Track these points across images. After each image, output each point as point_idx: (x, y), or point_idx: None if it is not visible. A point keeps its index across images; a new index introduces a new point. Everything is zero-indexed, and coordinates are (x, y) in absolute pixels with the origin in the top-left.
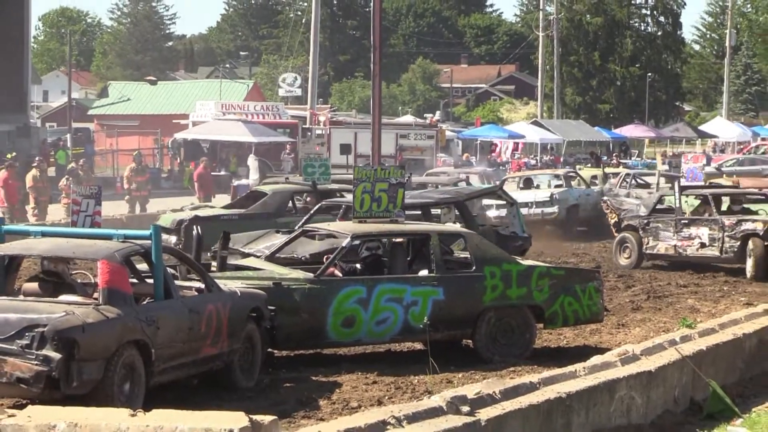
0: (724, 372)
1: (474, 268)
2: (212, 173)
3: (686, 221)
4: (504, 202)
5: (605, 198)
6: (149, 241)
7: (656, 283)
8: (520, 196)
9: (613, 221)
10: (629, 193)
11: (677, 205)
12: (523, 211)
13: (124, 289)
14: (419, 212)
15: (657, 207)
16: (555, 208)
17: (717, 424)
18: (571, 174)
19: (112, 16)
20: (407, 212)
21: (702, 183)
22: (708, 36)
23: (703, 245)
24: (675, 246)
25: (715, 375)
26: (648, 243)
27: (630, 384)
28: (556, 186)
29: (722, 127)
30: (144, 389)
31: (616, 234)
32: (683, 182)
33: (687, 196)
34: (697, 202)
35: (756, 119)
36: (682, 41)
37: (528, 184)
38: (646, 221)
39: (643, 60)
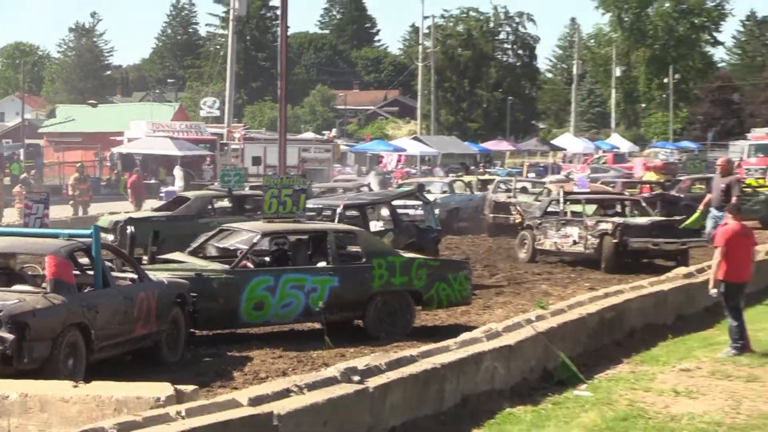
0: (571, 345)
1: (364, 260)
2: (144, 181)
3: (564, 222)
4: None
5: (514, 202)
6: (90, 239)
7: (516, 272)
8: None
9: (518, 221)
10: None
11: (561, 208)
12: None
13: (69, 279)
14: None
15: (548, 210)
16: (436, 211)
17: (566, 389)
18: (454, 181)
19: (60, 49)
20: (348, 212)
21: (588, 190)
22: (558, 66)
23: (574, 242)
24: (556, 242)
25: (564, 348)
26: (539, 240)
27: (494, 356)
28: (443, 192)
29: (570, 142)
30: (85, 364)
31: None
32: (576, 189)
33: (571, 201)
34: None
35: (598, 135)
36: (537, 70)
37: (421, 189)
38: (539, 222)
39: (505, 86)
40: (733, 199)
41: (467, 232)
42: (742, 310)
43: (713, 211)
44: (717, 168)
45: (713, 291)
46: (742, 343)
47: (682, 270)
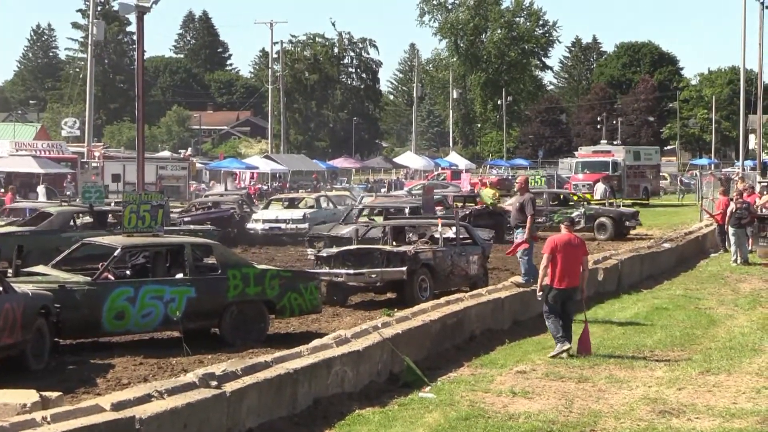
0: (416, 350)
1: (220, 271)
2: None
3: None
4: None
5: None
6: None
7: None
8: (281, 214)
9: None
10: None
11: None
12: (281, 226)
13: None
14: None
15: None
16: (306, 224)
17: (411, 391)
18: (321, 197)
19: None
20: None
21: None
22: (399, 88)
23: None
24: None
25: (409, 352)
26: None
27: (343, 361)
28: (309, 207)
29: (412, 159)
30: None
31: None
32: None
33: None
34: None
35: (437, 153)
36: (380, 93)
37: (292, 203)
38: None
39: (350, 107)
40: (528, 218)
41: None
42: (557, 312)
43: (515, 230)
44: (515, 186)
45: (540, 294)
46: (563, 337)
47: (517, 278)
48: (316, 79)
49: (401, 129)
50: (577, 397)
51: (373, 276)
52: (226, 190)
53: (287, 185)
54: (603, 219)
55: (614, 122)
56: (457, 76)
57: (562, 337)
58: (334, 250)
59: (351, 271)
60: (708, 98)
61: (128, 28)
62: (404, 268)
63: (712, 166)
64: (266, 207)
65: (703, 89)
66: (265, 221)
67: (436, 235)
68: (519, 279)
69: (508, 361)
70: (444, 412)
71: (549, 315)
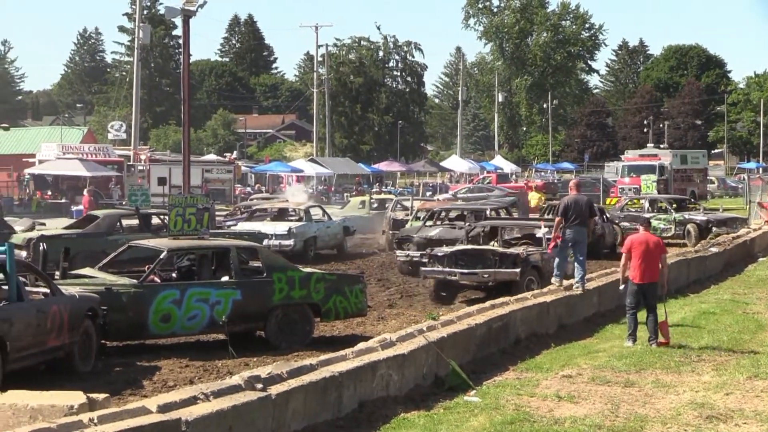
0: (461, 353)
1: (265, 274)
2: (54, 201)
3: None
4: None
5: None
6: (4, 256)
7: (407, 285)
8: (265, 227)
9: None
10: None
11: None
12: (264, 242)
13: None
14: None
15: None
16: (291, 241)
17: (456, 395)
18: (312, 207)
19: None
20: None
21: None
22: (445, 92)
23: None
24: None
25: (454, 356)
26: None
27: (388, 364)
28: (297, 219)
29: (457, 163)
30: (0, 375)
31: None
32: None
33: None
34: None
35: (482, 156)
36: (425, 96)
37: (281, 215)
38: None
39: (395, 111)
40: (556, 219)
41: (331, 260)
42: (636, 306)
43: None
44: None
45: (621, 286)
46: (631, 335)
47: (564, 283)
48: (361, 82)
49: (446, 132)
50: (624, 402)
51: (486, 276)
52: (270, 193)
53: (332, 189)
54: (689, 226)
55: (661, 126)
56: (502, 80)
57: (630, 336)
58: (447, 249)
59: (465, 271)
60: (756, 101)
61: (174, 32)
62: (518, 270)
63: (760, 169)
64: (249, 219)
65: (750, 92)
66: None
67: (540, 236)
68: (569, 282)
69: (554, 365)
70: (489, 416)
71: (630, 309)
